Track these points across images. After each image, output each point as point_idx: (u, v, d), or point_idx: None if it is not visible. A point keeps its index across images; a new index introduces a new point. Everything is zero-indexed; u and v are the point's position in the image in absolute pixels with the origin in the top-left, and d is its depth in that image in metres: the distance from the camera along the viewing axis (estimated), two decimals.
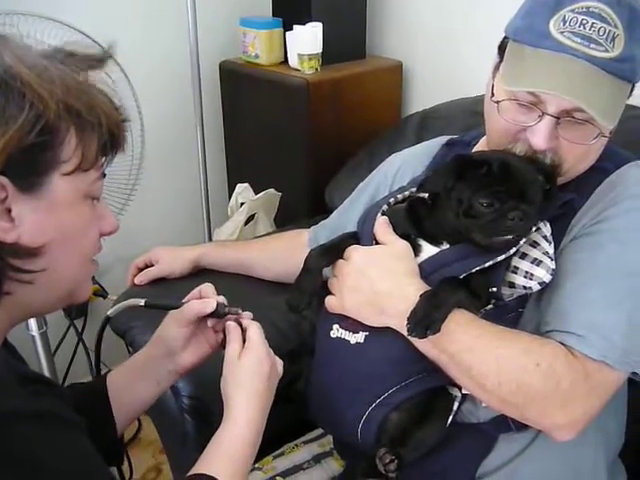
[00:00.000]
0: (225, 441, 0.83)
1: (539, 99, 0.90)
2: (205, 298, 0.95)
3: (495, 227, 0.87)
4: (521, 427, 0.93)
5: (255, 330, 0.90)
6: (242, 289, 1.35)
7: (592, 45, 0.86)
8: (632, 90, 0.93)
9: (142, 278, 1.38)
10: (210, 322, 0.96)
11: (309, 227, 1.37)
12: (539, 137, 0.91)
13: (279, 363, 0.90)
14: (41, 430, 0.62)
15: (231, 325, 0.91)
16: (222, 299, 0.95)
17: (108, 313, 1.01)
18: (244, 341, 0.89)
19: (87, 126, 0.71)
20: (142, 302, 0.98)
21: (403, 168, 1.20)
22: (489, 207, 0.87)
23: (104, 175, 0.76)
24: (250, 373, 0.86)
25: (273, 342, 1.28)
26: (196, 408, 1.21)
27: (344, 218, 1.26)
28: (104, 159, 0.75)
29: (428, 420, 0.92)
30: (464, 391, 0.94)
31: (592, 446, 0.97)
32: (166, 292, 1.36)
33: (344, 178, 1.77)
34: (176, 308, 0.96)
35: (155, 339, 0.99)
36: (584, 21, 0.87)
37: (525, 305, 0.94)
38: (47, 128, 0.67)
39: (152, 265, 1.39)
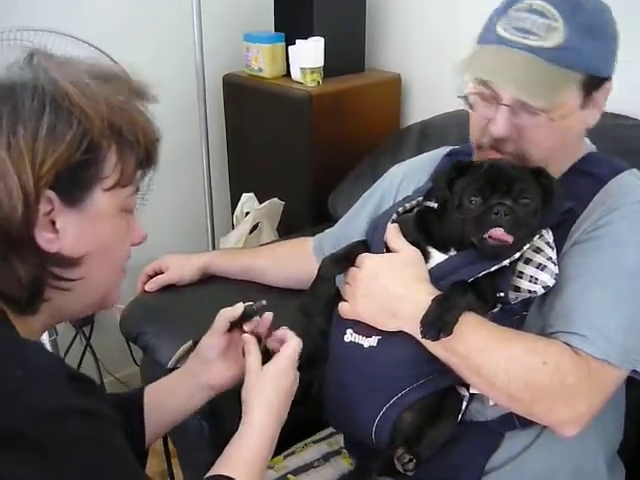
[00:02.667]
0: (242, 445, 0.86)
1: (495, 92, 0.96)
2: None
3: (481, 222, 0.89)
4: (526, 425, 0.96)
5: (290, 347, 0.93)
6: (250, 295, 1.31)
7: (531, 37, 0.93)
8: (601, 84, 0.97)
9: (152, 285, 1.40)
10: (247, 327, 0.99)
11: (313, 235, 1.40)
12: (496, 125, 0.97)
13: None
14: (91, 426, 0.66)
15: (247, 337, 0.95)
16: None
17: (169, 366, 1.06)
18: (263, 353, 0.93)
19: (127, 144, 0.75)
20: (190, 342, 1.03)
21: (407, 178, 1.23)
22: (475, 203, 0.91)
23: (138, 189, 0.80)
24: (271, 384, 0.90)
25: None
26: (211, 412, 1.22)
27: (349, 227, 1.28)
28: (139, 175, 0.79)
29: (440, 419, 0.95)
30: (472, 391, 0.97)
31: (592, 442, 1.01)
32: (175, 299, 1.40)
33: (347, 187, 1.79)
34: None
35: (193, 353, 1.02)
36: (525, 17, 0.94)
37: (529, 308, 0.97)
38: (92, 145, 0.71)
39: (161, 272, 1.42)
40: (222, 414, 1.20)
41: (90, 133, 0.70)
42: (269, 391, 0.90)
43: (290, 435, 1.20)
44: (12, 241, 0.69)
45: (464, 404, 0.98)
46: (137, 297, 1.43)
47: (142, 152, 0.77)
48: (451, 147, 1.25)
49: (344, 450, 1.19)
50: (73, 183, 0.71)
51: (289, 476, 1.14)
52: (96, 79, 0.74)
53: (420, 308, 0.89)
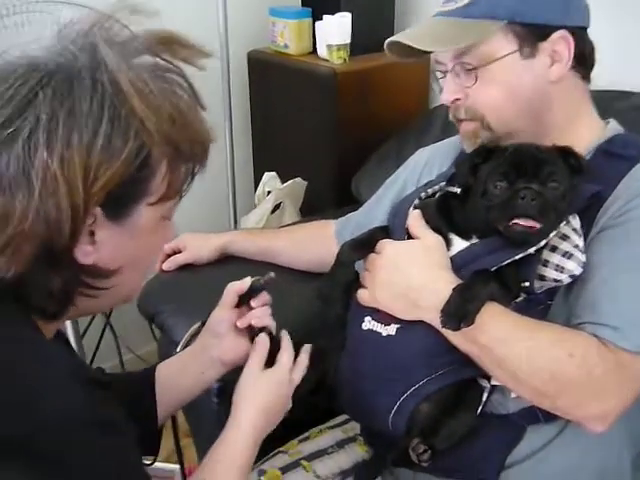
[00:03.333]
0: (228, 449, 0.85)
1: (443, 64, 1.02)
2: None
3: (507, 208, 0.87)
4: (549, 418, 0.94)
5: (288, 357, 0.93)
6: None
7: (450, 3, 1.00)
8: (549, 34, 0.96)
9: (170, 264, 1.40)
10: (254, 302, 0.97)
11: (335, 218, 1.38)
12: (443, 91, 1.02)
13: (300, 369, 0.93)
14: (106, 438, 0.64)
15: (262, 337, 0.93)
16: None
17: (177, 350, 1.05)
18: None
19: (181, 158, 0.70)
20: (198, 324, 1.02)
21: (430, 163, 1.21)
22: (500, 188, 0.88)
23: (182, 197, 0.75)
24: (268, 392, 0.89)
25: (296, 329, 1.30)
26: (223, 390, 1.22)
27: (371, 214, 1.26)
28: (187, 184, 0.75)
29: (458, 411, 0.93)
30: (493, 382, 0.95)
31: (618, 438, 0.97)
32: (193, 278, 1.39)
33: (371, 168, 1.77)
34: None
35: (204, 328, 1.01)
36: None
37: (554, 298, 0.94)
38: (146, 161, 0.66)
39: (179, 251, 1.41)
40: (233, 391, 1.19)
41: (147, 147, 0.65)
42: (264, 396, 0.89)
43: (305, 420, 1.20)
44: (52, 256, 0.66)
45: (485, 396, 0.96)
46: (155, 276, 1.42)
47: (196, 162, 0.73)
48: None
49: (359, 437, 1.18)
50: (120, 200, 0.67)
51: (302, 462, 1.14)
52: (156, 74, 0.67)
53: (441, 297, 0.87)
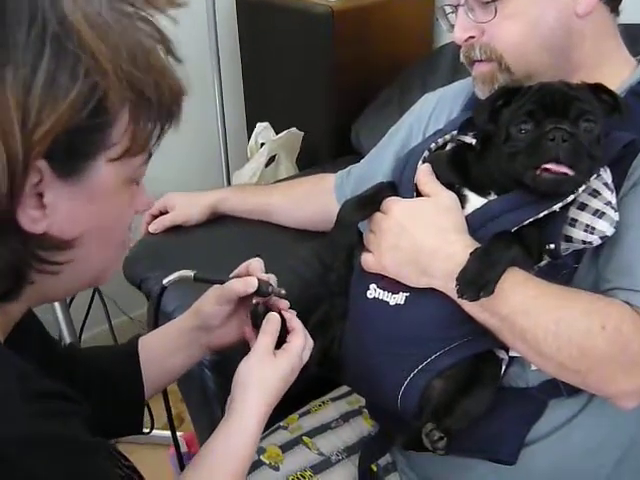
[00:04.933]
0: (232, 441, 0.78)
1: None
2: (250, 275, 0.88)
3: (534, 152, 0.79)
4: (572, 392, 0.87)
5: (299, 339, 0.84)
6: (263, 236, 1.31)
7: None
8: None
9: (156, 226, 1.33)
10: (255, 300, 0.90)
11: (334, 170, 1.30)
12: (454, 31, 0.94)
13: (309, 349, 0.86)
14: (52, 458, 0.55)
15: (273, 316, 0.85)
16: (269, 277, 0.89)
17: (164, 283, 0.95)
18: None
19: (145, 105, 0.61)
20: (192, 274, 0.93)
21: (438, 108, 1.12)
22: (526, 131, 0.80)
23: (150, 156, 0.66)
24: (279, 378, 0.81)
25: (297, 293, 1.23)
26: (216, 363, 1.17)
27: (372, 166, 1.19)
28: (155, 139, 0.65)
29: (475, 387, 0.85)
30: (512, 353, 0.88)
31: None
32: (182, 241, 1.32)
33: (372, 115, 1.69)
34: (223, 284, 0.90)
35: (192, 312, 0.94)
36: None
37: (580, 261, 0.86)
38: (101, 106, 0.56)
39: (166, 212, 1.34)
40: (226, 362, 1.11)
41: (101, 89, 0.56)
42: (274, 382, 0.80)
43: (306, 391, 1.13)
44: None
45: (502, 368, 0.88)
46: (141, 239, 1.34)
47: (164, 113, 0.63)
48: None
49: (365, 410, 1.12)
50: (71, 151, 0.57)
51: (304, 438, 1.08)
52: (113, 6, 0.58)
53: (455, 263, 0.80)
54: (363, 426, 1.10)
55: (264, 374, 0.80)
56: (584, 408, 0.89)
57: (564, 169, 0.77)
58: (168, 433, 1.07)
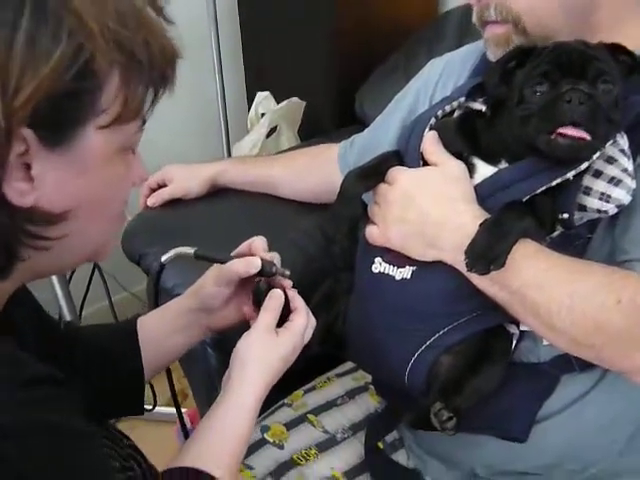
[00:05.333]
0: (227, 424, 0.76)
1: None
2: (253, 255, 0.85)
3: (550, 115, 0.75)
4: (585, 367, 0.84)
5: (302, 318, 0.82)
6: (265, 210, 1.29)
7: None
8: None
9: (154, 200, 1.30)
10: (258, 278, 0.87)
11: (338, 140, 1.26)
12: None
13: (311, 328, 0.83)
14: (43, 446, 0.53)
15: (276, 293, 0.82)
16: (272, 256, 0.86)
17: (162, 260, 0.92)
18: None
19: (136, 67, 0.58)
20: (192, 251, 0.90)
21: (446, 74, 1.07)
22: (541, 93, 0.76)
23: (144, 122, 0.63)
24: (279, 357, 0.78)
25: (300, 267, 1.21)
26: (219, 341, 1.14)
27: (377, 135, 1.15)
28: (149, 104, 0.62)
29: (485, 364, 0.82)
30: (522, 328, 0.85)
31: None
32: (181, 215, 1.29)
33: (377, 83, 1.65)
34: (223, 263, 0.87)
35: (192, 292, 0.91)
36: None
37: (595, 230, 0.83)
38: (87, 69, 0.54)
39: (165, 185, 1.31)
40: (229, 340, 1.10)
41: (87, 51, 0.53)
42: (274, 362, 0.78)
43: (311, 367, 1.11)
44: None
45: (513, 343, 0.86)
46: (139, 213, 1.32)
47: (156, 76, 0.60)
48: None
49: (371, 386, 1.09)
50: (57, 118, 0.54)
51: (309, 416, 1.06)
52: None
53: (464, 235, 0.76)
54: (369, 403, 1.08)
55: (264, 352, 0.78)
56: (597, 383, 0.87)
57: (581, 133, 0.73)
58: (171, 410, 1.05)
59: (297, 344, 0.80)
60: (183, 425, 1.11)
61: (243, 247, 0.88)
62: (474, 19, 0.92)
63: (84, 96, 0.55)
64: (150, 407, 0.96)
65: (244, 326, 0.84)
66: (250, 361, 0.77)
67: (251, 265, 0.83)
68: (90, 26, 0.52)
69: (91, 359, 0.85)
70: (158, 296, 0.96)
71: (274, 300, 0.81)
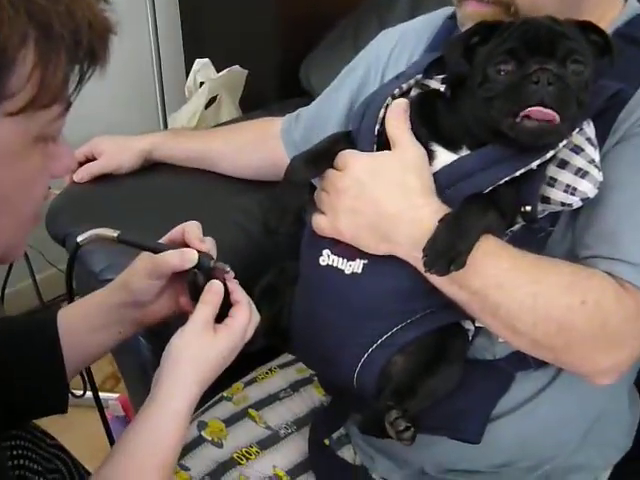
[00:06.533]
0: (159, 431, 0.70)
1: None
2: (186, 248, 0.78)
3: (515, 96, 0.71)
4: (541, 364, 0.83)
5: (244, 313, 0.76)
6: (203, 187, 1.24)
7: None
8: None
9: (82, 175, 1.23)
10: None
11: (282, 113, 1.22)
12: None
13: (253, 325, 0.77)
14: None
15: (215, 285, 0.75)
16: (208, 242, 0.79)
17: (78, 240, 0.84)
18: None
19: (56, 41, 0.51)
20: (115, 234, 0.82)
21: (399, 47, 1.02)
22: (506, 72, 0.72)
23: (69, 106, 0.55)
24: (216, 357, 0.72)
25: (245, 252, 1.14)
26: (152, 331, 1.03)
27: (324, 109, 1.09)
28: (74, 87, 0.55)
29: (440, 364, 0.79)
30: (478, 324, 0.82)
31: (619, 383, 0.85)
32: (111, 192, 1.22)
33: (323, 53, 1.61)
34: (153, 251, 0.79)
35: (119, 285, 0.83)
36: None
37: (557, 223, 0.80)
38: None
39: (94, 159, 1.23)
40: (162, 329, 1.03)
41: None
42: (212, 362, 0.72)
43: (251, 357, 1.05)
44: None
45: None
46: (65, 189, 1.23)
47: (82, 52, 0.53)
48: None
49: (316, 378, 1.05)
50: None
51: (250, 411, 1.01)
52: None
53: (422, 229, 0.73)
54: (314, 396, 1.04)
55: (199, 351, 0.72)
56: (552, 381, 0.86)
57: (549, 114, 0.69)
58: (103, 395, 1.01)
59: (237, 343, 0.75)
60: (104, 420, 1.04)
61: (175, 233, 0.81)
62: None
63: None
64: (80, 393, 0.92)
65: (180, 317, 0.79)
66: (183, 361, 0.71)
67: (186, 259, 0.76)
68: None
69: (3, 356, 0.78)
70: (72, 280, 0.88)
71: (212, 294, 0.75)
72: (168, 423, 0.69)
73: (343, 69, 1.12)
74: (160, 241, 0.81)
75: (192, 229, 0.79)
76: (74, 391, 0.88)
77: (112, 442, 0.96)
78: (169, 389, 0.70)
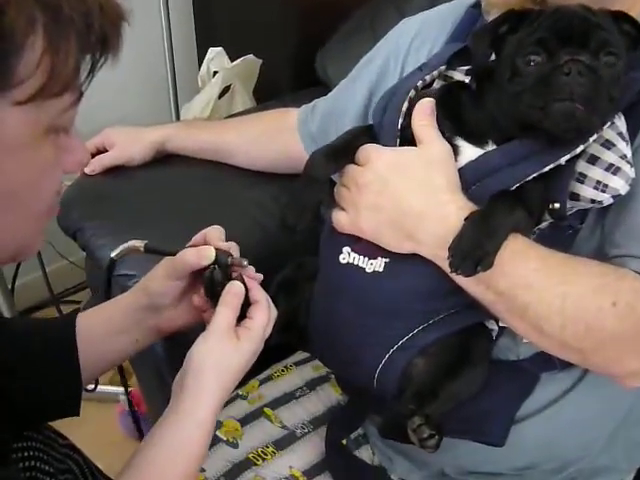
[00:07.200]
0: (183, 440, 0.69)
1: None
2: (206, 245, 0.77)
3: (545, 89, 0.68)
4: (565, 365, 0.81)
5: (263, 314, 0.74)
6: (217, 180, 1.22)
7: None
8: None
9: (93, 167, 1.20)
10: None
11: (297, 104, 1.19)
12: None
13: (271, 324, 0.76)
14: None
15: (236, 285, 0.73)
16: (229, 245, 0.78)
17: (112, 255, 0.86)
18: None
19: (65, 25, 0.50)
20: (142, 245, 0.84)
21: (420, 37, 1.00)
22: (535, 63, 0.69)
23: (81, 95, 0.54)
24: (239, 362, 0.71)
25: (259, 247, 1.12)
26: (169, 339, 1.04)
27: (342, 101, 1.07)
28: (86, 76, 0.54)
29: (464, 367, 0.78)
30: (502, 324, 0.80)
31: None
32: (123, 184, 1.20)
33: (339, 43, 1.58)
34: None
35: (139, 289, 0.82)
36: None
37: (585, 220, 0.78)
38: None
39: (105, 150, 1.21)
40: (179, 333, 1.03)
41: None
42: (236, 369, 0.71)
43: (268, 353, 1.04)
44: None
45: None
46: (76, 181, 1.20)
47: (94, 39, 0.52)
48: None
49: (333, 376, 1.03)
50: None
51: (265, 410, 0.99)
52: None
53: (447, 228, 0.71)
54: (331, 395, 1.02)
55: (222, 357, 0.70)
56: (578, 382, 0.84)
57: (579, 108, 0.67)
58: (113, 388, 1.03)
59: (258, 345, 0.73)
60: (132, 410, 1.04)
61: (197, 238, 0.80)
62: None
63: None
64: (92, 387, 0.90)
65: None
66: (207, 369, 0.70)
67: (203, 256, 0.75)
68: None
69: (20, 359, 0.78)
70: (110, 295, 0.90)
71: (232, 295, 0.73)
72: (192, 432, 0.68)
73: (361, 59, 1.09)
74: (185, 247, 0.80)
75: (213, 233, 0.79)
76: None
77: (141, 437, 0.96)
78: (193, 398, 0.69)
